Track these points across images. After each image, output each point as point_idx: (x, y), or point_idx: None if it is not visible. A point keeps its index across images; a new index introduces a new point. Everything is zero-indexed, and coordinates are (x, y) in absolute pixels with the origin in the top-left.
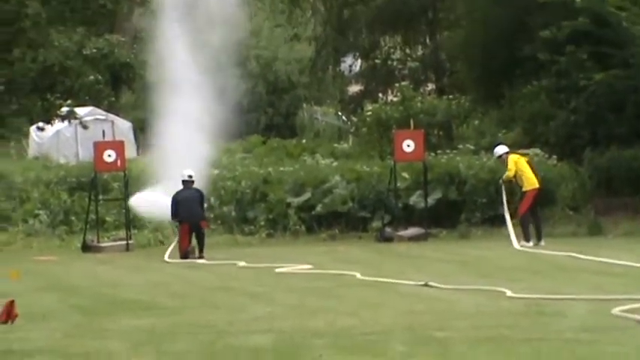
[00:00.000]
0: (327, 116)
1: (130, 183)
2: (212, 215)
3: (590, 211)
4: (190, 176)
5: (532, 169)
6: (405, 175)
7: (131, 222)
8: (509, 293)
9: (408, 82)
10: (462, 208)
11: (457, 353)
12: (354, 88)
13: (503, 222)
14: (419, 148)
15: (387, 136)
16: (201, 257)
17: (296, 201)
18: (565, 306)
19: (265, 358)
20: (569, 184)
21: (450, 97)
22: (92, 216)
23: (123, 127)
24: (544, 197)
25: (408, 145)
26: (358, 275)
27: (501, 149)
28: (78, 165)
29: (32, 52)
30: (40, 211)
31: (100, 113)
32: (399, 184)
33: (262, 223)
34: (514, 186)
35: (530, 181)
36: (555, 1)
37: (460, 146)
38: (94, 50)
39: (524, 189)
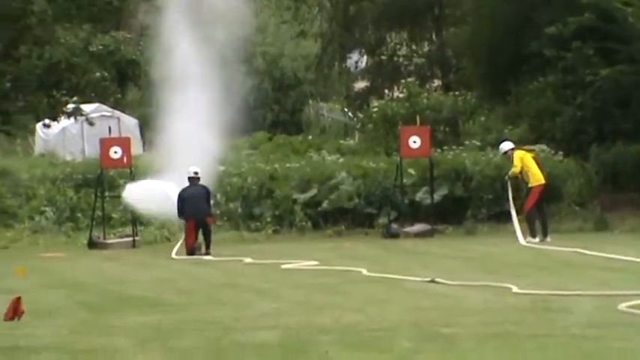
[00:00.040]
0: (333, 112)
1: (136, 180)
2: (218, 212)
3: (596, 206)
4: (196, 173)
5: (538, 164)
6: (411, 171)
7: (137, 219)
8: (515, 289)
9: (414, 79)
10: (468, 204)
11: (463, 349)
12: (360, 85)
13: (509, 218)
14: (425, 145)
15: (393, 133)
16: (207, 254)
17: (302, 197)
18: (571, 302)
19: (271, 355)
20: (575, 180)
21: (456, 93)
22: (98, 213)
23: (129, 123)
24: (550, 193)
25: (414, 142)
26: (364, 271)
27: (507, 145)
28: (84, 162)
29: (38, 49)
30: (47, 208)
31: (106, 110)
32: (405, 181)
33: (268, 219)
34: (520, 182)
35: (536, 177)
36: None
37: (466, 142)
38: (100, 47)
39: (530, 185)
